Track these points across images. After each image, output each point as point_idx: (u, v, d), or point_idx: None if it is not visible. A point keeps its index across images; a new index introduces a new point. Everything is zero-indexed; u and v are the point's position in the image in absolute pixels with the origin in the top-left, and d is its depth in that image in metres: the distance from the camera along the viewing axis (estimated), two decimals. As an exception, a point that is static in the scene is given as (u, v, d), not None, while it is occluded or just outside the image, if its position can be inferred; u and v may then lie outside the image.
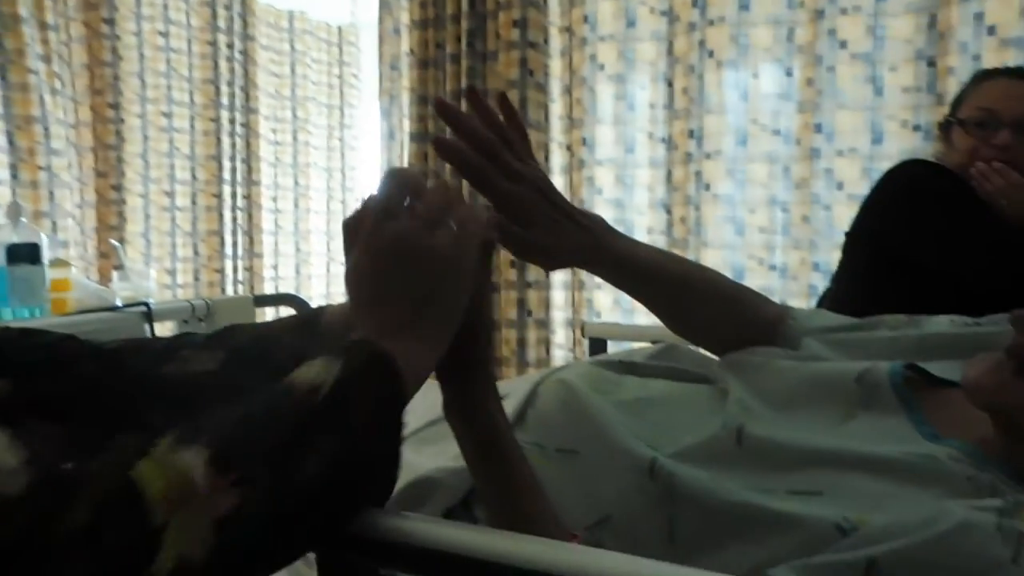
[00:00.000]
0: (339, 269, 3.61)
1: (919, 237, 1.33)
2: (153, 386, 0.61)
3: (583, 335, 1.58)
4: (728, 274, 2.22)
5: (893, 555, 0.50)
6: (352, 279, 0.56)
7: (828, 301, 1.46)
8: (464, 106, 0.76)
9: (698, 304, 0.86)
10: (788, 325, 0.86)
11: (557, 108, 2.60)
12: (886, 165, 1.82)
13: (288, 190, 3.43)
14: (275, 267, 3.42)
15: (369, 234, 0.54)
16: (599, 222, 0.79)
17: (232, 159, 3.20)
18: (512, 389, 0.89)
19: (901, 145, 2.01)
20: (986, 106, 1.33)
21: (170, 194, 3.08)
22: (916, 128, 2.00)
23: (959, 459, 0.58)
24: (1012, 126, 1.30)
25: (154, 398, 0.61)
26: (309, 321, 0.69)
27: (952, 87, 1.93)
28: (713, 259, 2.31)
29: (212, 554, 0.41)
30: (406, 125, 2.79)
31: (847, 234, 1.50)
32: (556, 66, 2.59)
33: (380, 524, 0.49)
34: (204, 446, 0.43)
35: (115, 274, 1.96)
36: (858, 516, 0.55)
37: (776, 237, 2.26)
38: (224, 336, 0.67)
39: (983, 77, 1.41)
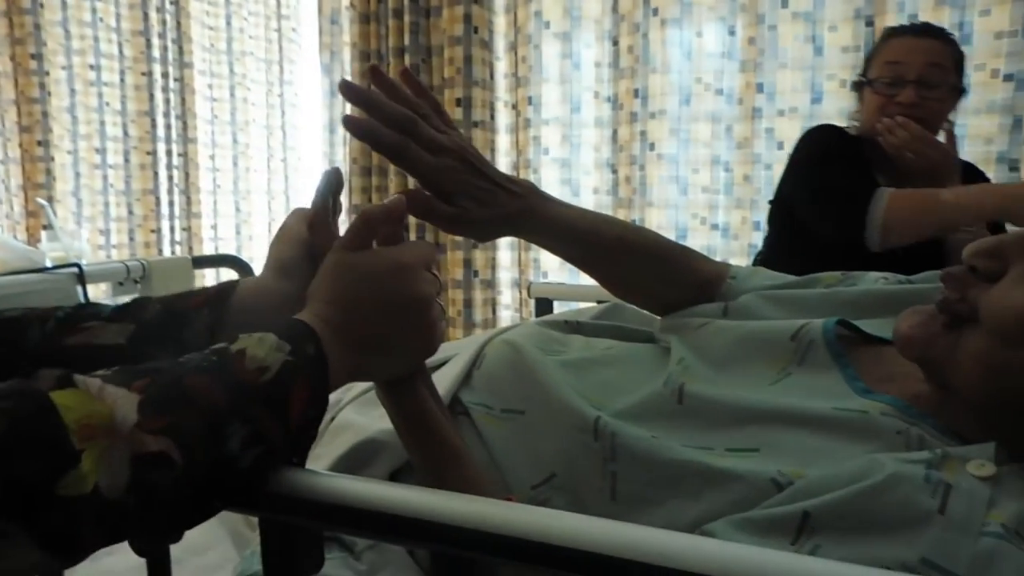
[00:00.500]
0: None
1: (820, 202, 1.38)
2: (55, 359, 0.59)
3: (529, 295, 1.58)
4: (671, 234, 2.24)
5: (826, 507, 0.52)
6: (341, 285, 0.55)
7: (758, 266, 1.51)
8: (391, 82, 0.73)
9: (634, 265, 0.86)
10: (728, 284, 0.88)
11: (502, 66, 2.57)
12: (823, 123, 1.85)
13: (227, 148, 3.32)
14: (214, 227, 3.32)
15: (401, 268, 0.55)
16: (529, 187, 0.78)
17: (167, 115, 3.08)
18: (459, 350, 0.89)
19: (839, 104, 2.04)
20: (892, 60, 1.39)
21: (101, 151, 2.96)
22: (854, 87, 2.03)
23: (889, 414, 0.60)
24: (916, 82, 1.35)
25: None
26: (221, 296, 0.67)
27: (890, 48, 1.97)
28: (657, 219, 2.33)
29: (129, 491, 0.40)
30: (348, 81, 2.72)
31: (771, 201, 1.55)
32: (500, 23, 2.56)
33: (324, 486, 0.48)
34: (137, 391, 0.42)
35: (44, 234, 1.88)
36: (793, 470, 0.57)
37: (718, 197, 2.28)
38: (133, 309, 0.64)
39: (889, 35, 1.45)
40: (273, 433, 0.47)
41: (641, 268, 0.86)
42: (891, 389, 0.65)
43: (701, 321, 0.81)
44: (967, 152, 1.87)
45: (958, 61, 1.41)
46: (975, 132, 1.87)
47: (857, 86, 1.48)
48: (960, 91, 1.42)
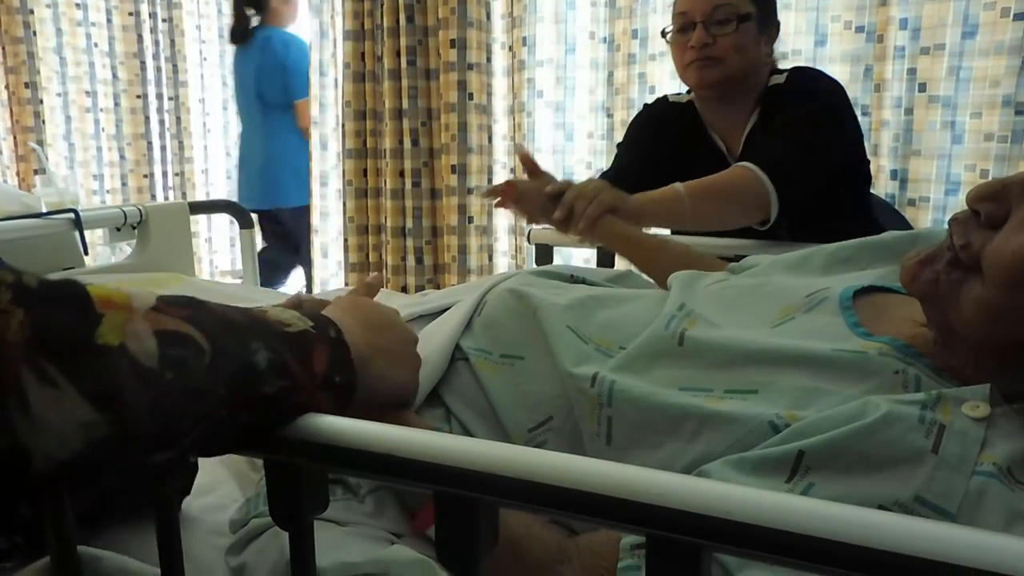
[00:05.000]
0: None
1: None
2: None
3: (529, 241, 1.57)
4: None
5: (820, 446, 0.53)
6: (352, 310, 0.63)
7: None
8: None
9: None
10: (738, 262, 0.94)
11: (499, 6, 2.51)
12: (827, 67, 1.82)
13: (215, 92, 3.27)
14: (205, 172, 3.29)
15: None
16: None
17: (156, 57, 3.02)
18: (456, 297, 0.89)
19: (843, 47, 2.01)
20: (680, 11, 1.39)
21: (91, 94, 2.91)
22: (859, 29, 2.00)
23: (888, 354, 0.61)
24: (703, 24, 1.34)
25: None
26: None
27: (893, -15, 1.93)
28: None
29: (162, 364, 0.41)
30: (339, 23, 2.66)
31: None
32: (496, -40, 2.49)
33: (327, 428, 0.49)
34: (154, 296, 0.44)
35: (37, 179, 1.86)
36: (789, 413, 0.58)
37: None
38: None
39: None
40: (296, 370, 0.49)
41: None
42: (890, 331, 0.65)
43: (714, 278, 0.83)
44: (971, 94, 1.84)
45: None
46: (980, 74, 1.83)
47: (663, 36, 1.45)
48: (763, 19, 1.37)
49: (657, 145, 1.47)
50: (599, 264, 1.46)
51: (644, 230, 1.19)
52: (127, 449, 0.41)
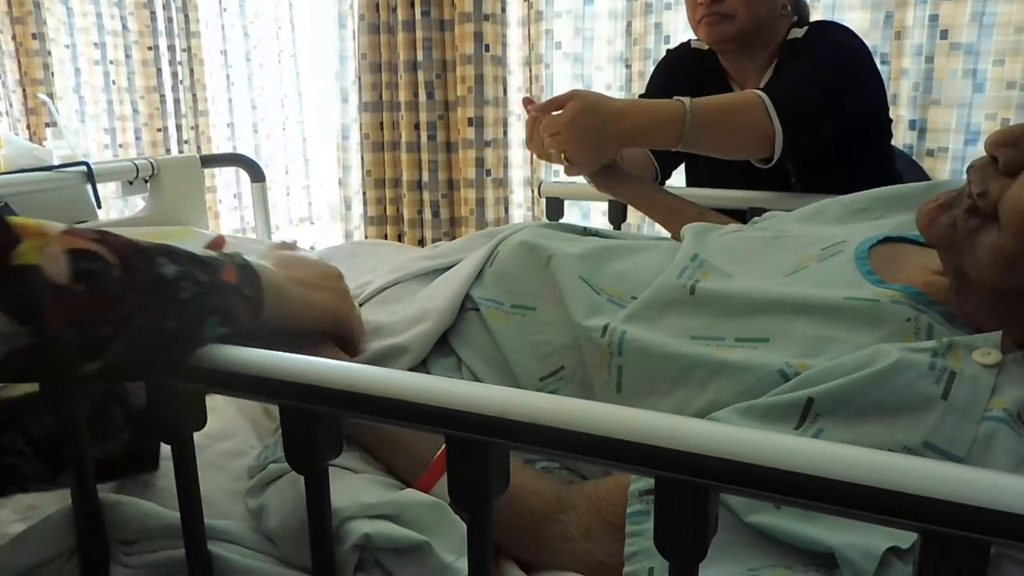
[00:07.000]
0: (294, 127, 3.45)
1: None
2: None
3: (539, 195, 1.57)
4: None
5: (830, 393, 0.53)
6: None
7: None
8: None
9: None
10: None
11: (515, -45, 2.46)
12: (846, 14, 1.77)
13: (238, 43, 3.22)
14: (231, 126, 3.26)
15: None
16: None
17: (167, 7, 2.98)
18: (464, 248, 0.90)
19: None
20: None
21: (100, 46, 2.88)
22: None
23: (900, 301, 0.60)
24: None
25: None
26: None
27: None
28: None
29: (75, 280, 0.45)
30: (357, -29, 2.62)
31: None
32: (511, -94, 2.43)
33: (345, 375, 0.50)
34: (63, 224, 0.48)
35: (48, 132, 1.86)
36: (800, 361, 0.58)
37: (734, 92, 2.22)
38: None
39: None
40: (204, 279, 0.54)
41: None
42: (903, 278, 0.65)
43: (727, 230, 0.83)
44: (994, 41, 1.80)
45: None
46: (1004, 20, 1.78)
47: None
48: None
49: (679, 93, 1.44)
50: (611, 216, 1.45)
51: (680, 196, 1.21)
52: (52, 358, 0.45)
